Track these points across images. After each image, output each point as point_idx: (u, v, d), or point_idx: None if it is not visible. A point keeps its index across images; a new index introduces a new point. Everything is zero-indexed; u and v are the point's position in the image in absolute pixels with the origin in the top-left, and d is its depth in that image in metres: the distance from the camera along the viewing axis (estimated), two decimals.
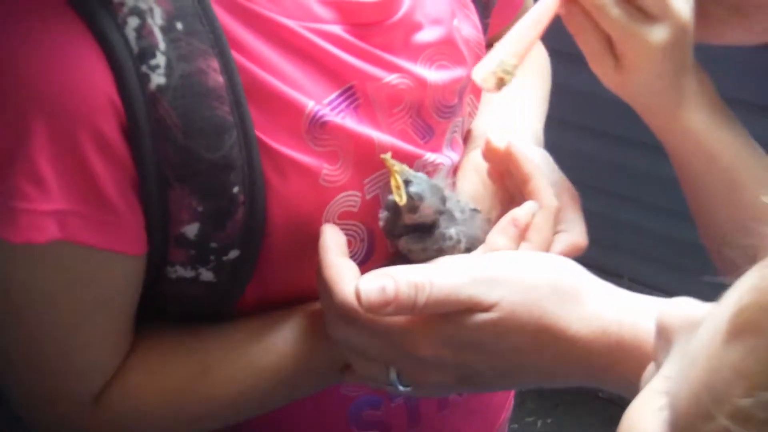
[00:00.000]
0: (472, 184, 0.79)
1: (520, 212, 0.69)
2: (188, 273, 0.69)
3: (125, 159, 0.62)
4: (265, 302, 0.75)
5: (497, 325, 0.61)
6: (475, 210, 0.75)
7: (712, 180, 0.76)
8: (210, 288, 0.71)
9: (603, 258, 2.30)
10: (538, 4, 0.71)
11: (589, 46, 0.72)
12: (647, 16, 0.68)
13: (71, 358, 0.69)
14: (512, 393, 1.11)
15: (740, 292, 0.34)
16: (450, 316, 0.62)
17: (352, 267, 0.67)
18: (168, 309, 0.75)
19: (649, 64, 0.70)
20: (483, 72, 0.69)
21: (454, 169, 0.81)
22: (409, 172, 0.69)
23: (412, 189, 0.68)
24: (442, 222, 0.70)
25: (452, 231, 0.70)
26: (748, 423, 0.30)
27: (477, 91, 0.82)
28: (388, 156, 0.69)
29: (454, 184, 0.80)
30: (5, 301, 0.66)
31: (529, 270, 0.64)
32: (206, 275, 0.69)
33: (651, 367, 0.46)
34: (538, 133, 0.86)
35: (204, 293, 0.71)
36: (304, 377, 0.75)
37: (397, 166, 0.68)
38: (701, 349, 0.36)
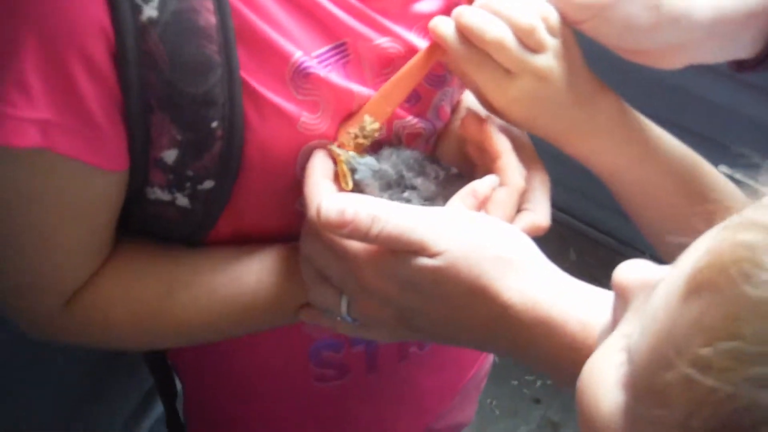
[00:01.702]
0: (451, 152, 0.82)
1: (480, 184, 0.72)
2: (165, 196, 0.73)
3: (111, 82, 0.64)
4: (239, 237, 0.79)
5: (436, 273, 0.65)
6: (456, 175, 0.78)
7: (621, 195, 0.82)
8: (185, 213, 0.74)
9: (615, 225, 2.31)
10: (407, 64, 0.74)
11: (471, 90, 0.77)
12: (507, 72, 0.72)
13: (46, 259, 0.73)
14: (485, 354, 1.14)
15: (697, 254, 0.38)
16: (397, 254, 0.65)
17: (330, 189, 0.71)
18: (146, 231, 0.78)
19: (514, 112, 0.75)
20: (344, 135, 0.73)
21: (438, 136, 0.84)
22: (355, 160, 0.73)
23: (357, 176, 0.73)
24: (390, 195, 0.74)
25: (405, 194, 0.74)
26: (708, 370, 0.34)
27: None
28: (333, 146, 0.73)
29: (434, 149, 0.83)
30: None
31: (481, 231, 0.67)
32: (182, 201, 0.73)
33: (606, 325, 0.50)
34: None
35: (179, 218, 0.75)
36: (264, 311, 0.79)
37: (343, 155, 0.72)
38: (661, 306, 0.39)
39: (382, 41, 0.74)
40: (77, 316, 0.77)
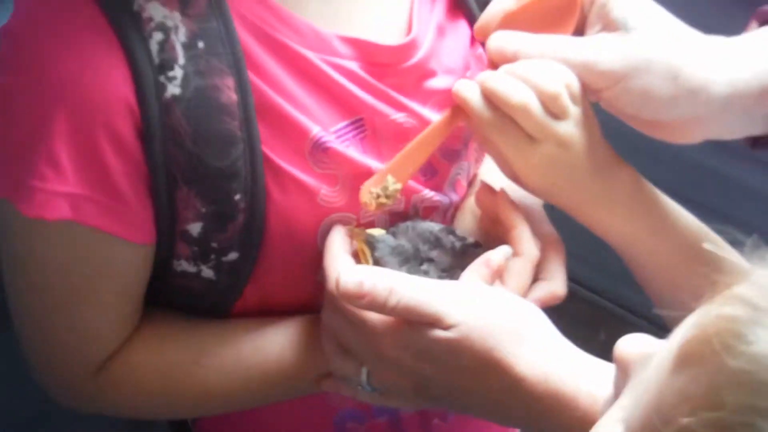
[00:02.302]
0: (467, 224, 0.84)
1: (494, 254, 0.73)
2: (191, 268, 0.75)
3: (138, 157, 0.68)
4: (264, 308, 0.81)
5: (451, 344, 0.66)
6: (473, 245, 0.79)
7: (633, 265, 0.82)
8: (210, 285, 0.76)
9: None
10: (429, 127, 0.76)
11: (492, 156, 0.78)
12: (530, 138, 0.72)
13: (78, 328, 0.75)
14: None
15: (685, 329, 0.40)
16: (414, 325, 0.67)
17: (348, 262, 0.73)
18: (174, 302, 0.80)
19: (534, 178, 0.75)
20: (367, 195, 0.75)
21: (454, 209, 0.86)
22: (374, 238, 0.75)
23: (377, 254, 0.75)
24: (408, 270, 0.76)
25: (423, 266, 0.76)
26: None
27: None
28: (352, 227, 0.75)
29: (451, 223, 0.85)
30: (22, 269, 0.73)
31: (496, 305, 0.69)
32: (207, 272, 0.75)
33: (608, 398, 0.51)
34: None
35: (205, 289, 0.77)
36: (287, 380, 0.80)
37: (361, 235, 0.75)
38: (652, 378, 0.41)
39: (398, 116, 0.77)
40: (107, 384, 0.79)
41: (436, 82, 0.80)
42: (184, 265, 0.75)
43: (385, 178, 0.75)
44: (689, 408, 0.36)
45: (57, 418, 1.04)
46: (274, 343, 0.80)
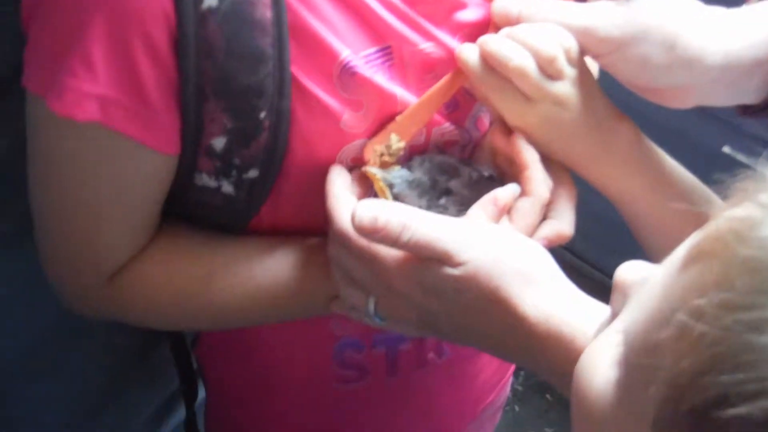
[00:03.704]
0: (485, 162, 0.85)
1: (502, 192, 0.75)
2: (212, 183, 0.76)
3: (170, 67, 0.68)
4: (278, 229, 0.82)
5: (458, 282, 0.68)
6: (489, 178, 0.81)
7: (631, 220, 0.85)
8: (229, 200, 0.77)
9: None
10: (433, 86, 0.79)
11: (492, 114, 0.82)
12: (526, 98, 0.76)
13: (94, 233, 0.77)
14: (504, 381, 1.16)
15: (693, 237, 0.41)
16: (423, 261, 0.69)
17: (350, 200, 0.74)
18: (191, 216, 0.82)
19: (532, 135, 0.79)
20: (371, 153, 0.78)
21: (474, 145, 0.87)
22: (390, 175, 0.77)
23: (395, 191, 0.77)
24: (428, 202, 0.78)
25: (442, 201, 0.78)
26: (701, 317, 0.37)
27: None
28: (367, 168, 0.77)
29: (470, 158, 0.87)
30: (48, 166, 0.74)
31: (504, 245, 0.70)
32: (227, 188, 0.76)
33: (605, 319, 0.53)
34: None
35: (223, 205, 0.78)
36: (295, 301, 0.82)
37: (379, 174, 0.77)
38: (658, 283, 0.43)
39: (426, 46, 0.78)
40: (119, 292, 0.80)
41: (467, 14, 0.80)
42: (205, 179, 0.76)
43: (389, 137, 0.77)
44: (700, 292, 0.38)
45: (65, 338, 1.06)
46: (286, 263, 0.81)
